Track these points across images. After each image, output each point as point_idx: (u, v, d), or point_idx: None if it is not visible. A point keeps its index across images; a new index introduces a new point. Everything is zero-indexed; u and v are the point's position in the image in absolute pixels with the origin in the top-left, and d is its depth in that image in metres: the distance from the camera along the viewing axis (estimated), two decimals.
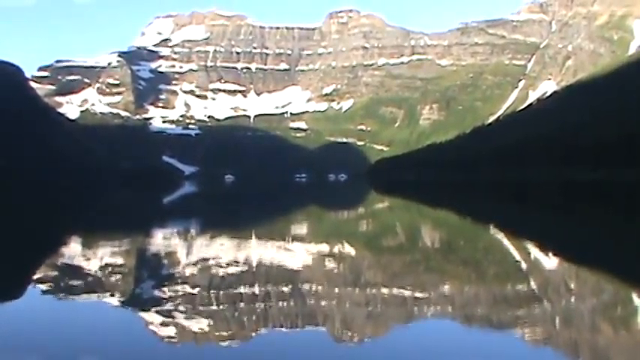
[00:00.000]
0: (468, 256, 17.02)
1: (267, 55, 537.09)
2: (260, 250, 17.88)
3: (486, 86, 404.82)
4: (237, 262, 14.77)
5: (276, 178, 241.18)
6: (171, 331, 8.74)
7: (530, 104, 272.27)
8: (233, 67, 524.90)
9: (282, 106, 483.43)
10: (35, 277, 13.24)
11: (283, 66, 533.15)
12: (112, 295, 11.06)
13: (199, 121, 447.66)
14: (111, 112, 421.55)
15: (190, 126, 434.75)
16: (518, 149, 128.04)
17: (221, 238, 21.54)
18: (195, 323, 9.09)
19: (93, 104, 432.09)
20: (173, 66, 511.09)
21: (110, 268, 14.28)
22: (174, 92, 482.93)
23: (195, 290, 11.42)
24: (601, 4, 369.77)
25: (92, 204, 55.49)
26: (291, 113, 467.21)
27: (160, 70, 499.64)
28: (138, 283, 12.86)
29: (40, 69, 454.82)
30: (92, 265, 14.72)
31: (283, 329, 8.86)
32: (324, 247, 18.57)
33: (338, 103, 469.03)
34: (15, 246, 19.42)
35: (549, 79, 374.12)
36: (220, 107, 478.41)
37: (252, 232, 24.37)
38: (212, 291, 11.45)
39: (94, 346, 7.91)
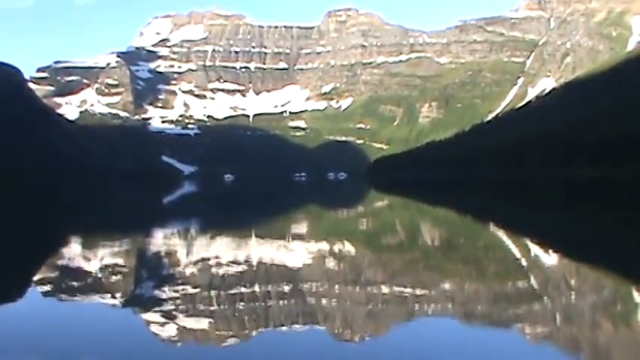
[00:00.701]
0: (468, 254, 17.02)
1: (265, 54, 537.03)
2: (260, 250, 17.88)
3: (485, 84, 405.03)
4: (238, 262, 14.77)
5: (275, 178, 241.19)
6: (172, 331, 8.75)
7: (529, 101, 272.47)
8: (232, 67, 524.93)
9: (281, 105, 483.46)
10: (36, 278, 13.24)
11: (282, 65, 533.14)
12: (113, 296, 11.07)
13: (198, 120, 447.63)
14: (110, 113, 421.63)
15: (189, 126, 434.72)
16: (517, 147, 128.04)
17: (221, 238, 21.56)
18: (196, 323, 9.10)
19: (92, 105, 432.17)
20: (172, 66, 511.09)
21: (111, 269, 14.29)
22: (173, 92, 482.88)
23: (196, 290, 11.43)
24: (599, 0, 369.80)
25: (92, 204, 55.49)
26: (290, 112, 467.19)
27: (158, 70, 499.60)
28: (138, 283, 12.86)
29: (39, 70, 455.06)
30: (93, 266, 14.72)
31: (284, 328, 8.87)
32: (324, 246, 18.57)
33: (337, 101, 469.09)
34: (15, 247, 19.41)
35: (548, 76, 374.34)
36: (219, 107, 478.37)
37: (252, 231, 24.36)
38: (212, 291, 11.45)
39: (95, 347, 7.91)
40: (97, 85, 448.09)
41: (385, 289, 11.43)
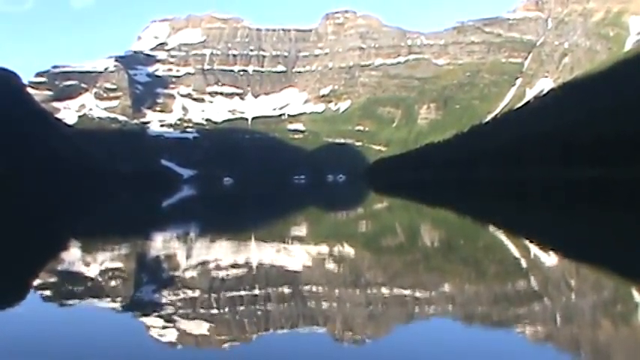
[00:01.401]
0: (467, 255, 17.04)
1: (263, 57, 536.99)
2: (260, 253, 17.89)
3: (483, 85, 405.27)
4: (238, 265, 14.78)
5: (274, 180, 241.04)
6: (172, 335, 8.75)
7: (528, 102, 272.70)
8: (230, 70, 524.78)
9: (280, 108, 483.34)
10: (35, 282, 13.23)
11: (280, 68, 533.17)
12: (113, 300, 11.07)
13: (197, 124, 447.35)
14: (108, 117, 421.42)
15: (188, 129, 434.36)
16: (516, 147, 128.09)
17: (221, 241, 21.56)
18: (196, 326, 9.11)
19: (90, 109, 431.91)
20: (170, 70, 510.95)
21: (110, 273, 14.29)
22: (172, 96, 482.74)
23: (196, 293, 11.43)
24: (596, 0, 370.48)
25: (91, 208, 55.46)
26: (288, 115, 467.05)
27: (156, 74, 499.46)
28: (138, 287, 12.86)
29: (37, 75, 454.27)
30: (92, 270, 14.72)
31: (285, 331, 8.88)
32: (324, 249, 18.58)
33: (335, 103, 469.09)
34: (15, 251, 19.40)
35: (546, 76, 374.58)
36: (218, 110, 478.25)
37: (252, 234, 24.36)
38: (213, 294, 11.46)
39: (95, 352, 7.91)
40: (95, 90, 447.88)
41: (385, 291, 11.45)
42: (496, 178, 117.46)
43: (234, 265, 14.68)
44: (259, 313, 9.92)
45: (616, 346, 8.10)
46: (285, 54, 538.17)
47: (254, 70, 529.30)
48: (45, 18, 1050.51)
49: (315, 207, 52.81)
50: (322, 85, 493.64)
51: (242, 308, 10.24)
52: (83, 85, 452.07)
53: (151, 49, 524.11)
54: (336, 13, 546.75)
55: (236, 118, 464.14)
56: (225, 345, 8.29)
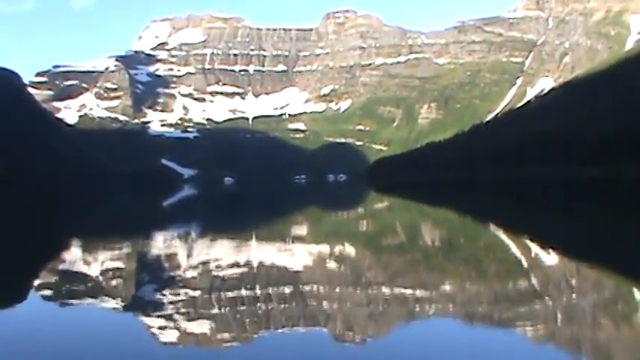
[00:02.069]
0: (468, 255, 17.02)
1: (264, 56, 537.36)
2: (261, 252, 17.88)
3: (484, 84, 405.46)
4: (239, 264, 14.76)
5: (275, 180, 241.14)
6: (173, 334, 8.74)
7: (529, 101, 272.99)
8: (231, 70, 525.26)
9: (281, 108, 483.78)
10: (36, 282, 13.21)
11: (281, 67, 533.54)
12: (114, 300, 11.06)
13: (198, 124, 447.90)
14: (109, 117, 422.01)
15: (189, 129, 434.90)
16: (516, 147, 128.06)
17: (222, 241, 21.55)
18: (197, 326, 9.09)
19: (91, 109, 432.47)
20: (171, 69, 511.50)
21: (111, 273, 14.28)
22: (173, 95, 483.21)
23: (197, 293, 11.42)
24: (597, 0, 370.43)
25: (92, 208, 55.46)
26: (289, 114, 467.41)
27: (157, 73, 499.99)
28: (139, 286, 12.84)
29: (38, 74, 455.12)
30: (93, 270, 14.71)
31: (285, 330, 8.86)
32: (325, 248, 18.57)
33: (336, 103, 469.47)
34: (15, 251, 19.39)
35: (547, 75, 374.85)
36: (218, 110, 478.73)
37: (253, 234, 24.35)
38: (214, 294, 11.44)
39: (95, 352, 7.90)
40: (96, 89, 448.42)
41: (386, 291, 11.43)
42: (497, 178, 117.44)
43: (235, 265, 14.67)
44: (260, 312, 9.90)
45: (617, 345, 8.08)
46: (286, 53, 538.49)
47: (255, 70, 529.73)
48: (45, 18, 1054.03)
49: (315, 206, 52.81)
50: (323, 84, 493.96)
51: (243, 308, 10.23)
52: (84, 84, 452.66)
53: (152, 49, 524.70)
54: (337, 12, 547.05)
55: (237, 118, 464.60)
56: (226, 345, 8.27)
